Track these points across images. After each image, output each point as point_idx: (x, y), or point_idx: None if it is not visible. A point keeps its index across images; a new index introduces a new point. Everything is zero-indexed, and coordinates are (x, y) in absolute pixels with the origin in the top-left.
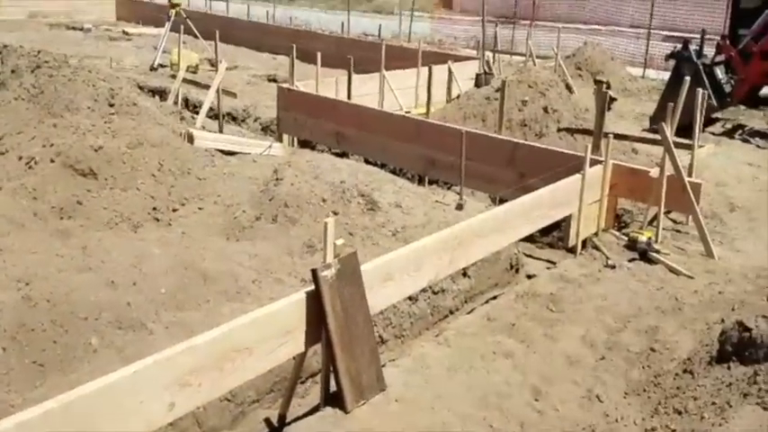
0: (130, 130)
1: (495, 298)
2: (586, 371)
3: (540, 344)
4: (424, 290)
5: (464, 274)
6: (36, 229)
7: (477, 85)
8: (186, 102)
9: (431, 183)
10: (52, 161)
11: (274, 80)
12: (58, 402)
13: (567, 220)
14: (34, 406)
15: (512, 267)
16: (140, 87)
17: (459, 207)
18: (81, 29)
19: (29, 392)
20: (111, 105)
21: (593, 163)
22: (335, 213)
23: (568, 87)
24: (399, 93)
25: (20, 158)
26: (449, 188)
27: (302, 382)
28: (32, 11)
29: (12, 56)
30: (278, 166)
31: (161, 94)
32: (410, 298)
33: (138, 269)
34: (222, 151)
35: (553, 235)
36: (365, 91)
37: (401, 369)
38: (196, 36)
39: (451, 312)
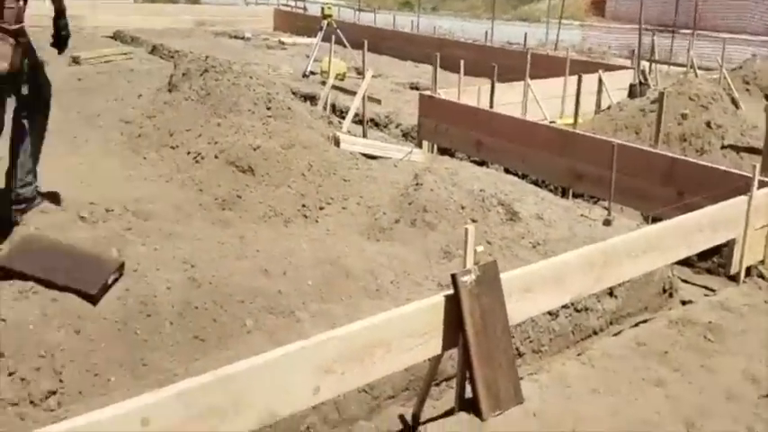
0: (284, 132)
1: (644, 322)
2: (747, 407)
3: (696, 375)
4: (565, 306)
5: (610, 294)
6: (201, 218)
7: (632, 95)
8: (333, 107)
9: (575, 196)
10: (216, 157)
11: (416, 88)
12: (215, 375)
13: (729, 245)
14: (195, 377)
15: (665, 291)
16: (293, 93)
17: (607, 223)
18: (242, 37)
19: (190, 364)
20: (269, 108)
21: (762, 185)
22: (474, 221)
23: (734, 102)
24: (544, 103)
25: (188, 153)
26: (595, 203)
27: (436, 385)
28: (199, 19)
29: (183, 60)
30: (418, 171)
31: (311, 99)
32: (550, 313)
33: (288, 261)
34: (365, 155)
35: (713, 260)
36: (508, 99)
37: (540, 384)
38: (345, 45)
39: (595, 333)
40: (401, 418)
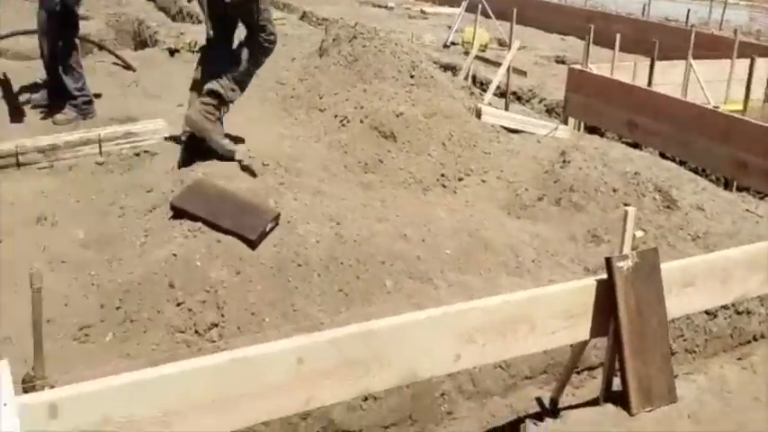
0: (427, 101)
1: None
2: None
3: None
4: (725, 307)
5: None
6: (345, 180)
7: None
8: (474, 78)
9: (740, 189)
10: (361, 122)
11: (562, 62)
12: (363, 328)
13: None
14: (340, 327)
15: None
16: (434, 62)
17: None
18: (385, 7)
19: (335, 315)
20: (412, 77)
21: None
22: (626, 206)
23: None
24: (707, 85)
25: (335, 116)
26: (762, 198)
27: (577, 373)
28: None
29: (333, 27)
30: (565, 148)
31: (452, 69)
32: (708, 312)
33: (426, 228)
34: (507, 128)
35: None
36: (667, 80)
37: (696, 386)
38: (489, 16)
39: (755, 339)
40: (538, 400)
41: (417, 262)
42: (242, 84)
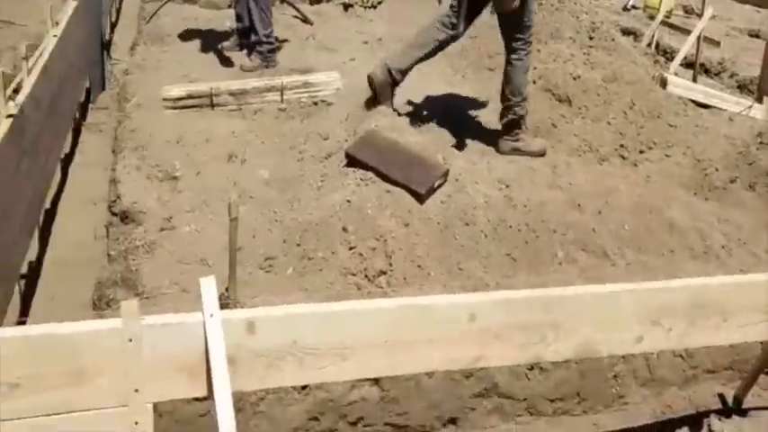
0: (607, 65)
1: None
2: None
3: None
4: None
5: None
6: None
7: None
8: (657, 46)
9: None
10: (534, 83)
11: (756, 35)
12: (540, 293)
13: None
14: (507, 290)
15: None
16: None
17: None
18: None
19: (501, 279)
20: (591, 38)
21: None
22: None
23: None
24: None
25: None
26: None
27: (766, 373)
28: None
29: None
30: (762, 129)
31: (632, 34)
32: None
33: (602, 200)
34: (695, 102)
35: None
36: None
37: None
38: None
39: None
40: (721, 397)
41: (592, 235)
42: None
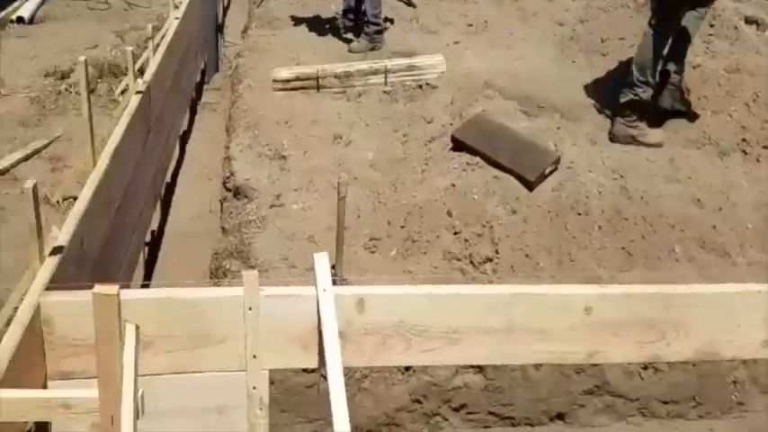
0: (728, 54)
1: None
2: None
3: None
4: None
5: None
6: None
7: None
8: None
9: None
10: None
11: None
12: (661, 289)
13: None
14: (625, 285)
15: None
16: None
17: None
18: None
19: (615, 273)
20: (712, 26)
21: None
22: None
23: None
24: None
25: (619, 63)
26: None
27: None
28: None
29: None
30: None
31: (755, 23)
32: None
33: (724, 196)
34: None
35: None
36: None
37: None
38: None
39: None
40: None
41: (712, 232)
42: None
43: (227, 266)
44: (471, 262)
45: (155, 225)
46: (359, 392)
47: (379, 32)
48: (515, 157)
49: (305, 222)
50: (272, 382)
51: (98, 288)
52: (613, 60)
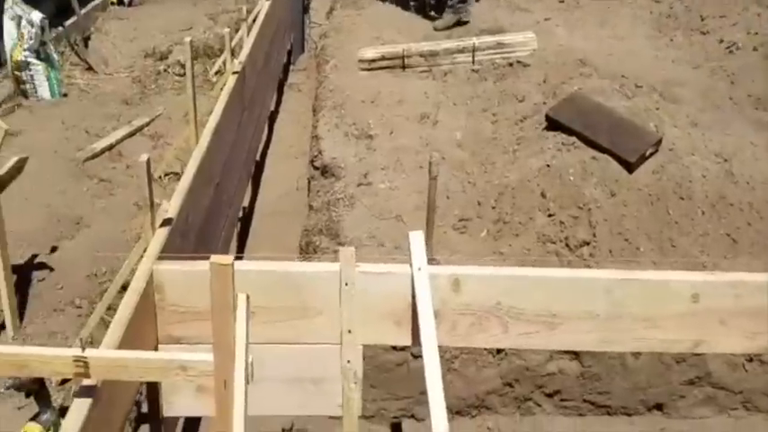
0: None
1: None
2: None
3: None
4: None
5: None
6: (730, 113)
7: None
8: None
9: None
10: (755, 50)
11: None
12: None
13: None
14: (736, 272)
15: None
16: None
17: None
18: None
19: (719, 260)
20: None
21: None
22: None
23: None
24: None
25: (720, 41)
26: None
27: None
28: None
29: None
30: None
31: None
32: None
33: None
34: None
35: None
36: None
37: None
38: None
39: None
40: None
41: None
42: None
43: (317, 243)
44: (567, 245)
45: (246, 202)
46: (449, 373)
47: (463, 1)
48: (614, 138)
49: (392, 201)
50: (363, 357)
51: (214, 258)
52: (714, 39)
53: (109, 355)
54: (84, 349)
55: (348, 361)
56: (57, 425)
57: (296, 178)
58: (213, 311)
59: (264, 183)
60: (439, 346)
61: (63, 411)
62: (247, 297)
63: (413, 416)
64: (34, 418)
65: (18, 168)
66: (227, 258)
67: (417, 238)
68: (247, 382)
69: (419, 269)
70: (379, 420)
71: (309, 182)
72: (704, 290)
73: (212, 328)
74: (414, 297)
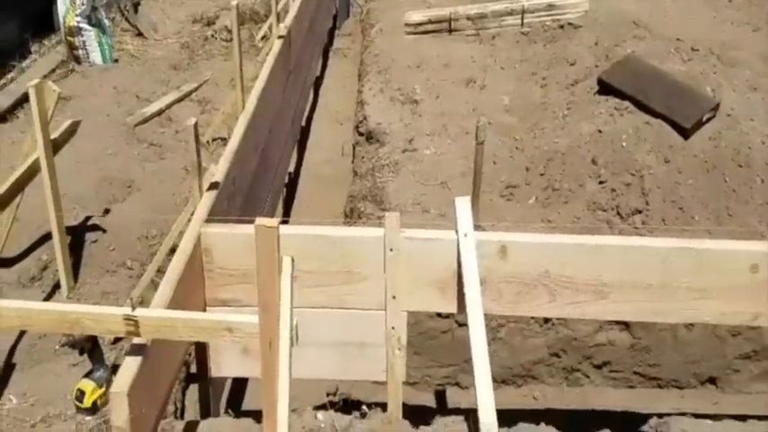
0: None
1: None
2: None
3: None
4: None
5: None
6: None
7: None
8: None
9: None
10: None
11: None
12: None
13: None
14: None
15: None
16: None
17: None
18: None
19: None
20: None
21: None
22: None
23: None
24: None
25: None
26: None
27: None
28: None
29: None
30: None
31: None
32: None
33: None
34: None
35: None
36: None
37: None
38: None
39: None
40: None
41: None
42: None
43: (362, 209)
44: (618, 213)
45: (292, 167)
46: (494, 342)
47: None
48: (670, 103)
49: (438, 167)
50: (407, 324)
51: (260, 221)
52: None
53: (158, 314)
54: (134, 309)
55: (392, 327)
56: (110, 382)
57: (341, 144)
58: (258, 273)
59: (310, 148)
60: (484, 315)
61: (116, 369)
62: (292, 260)
63: (457, 383)
64: (88, 375)
65: (71, 132)
66: (273, 221)
67: (463, 205)
68: (292, 344)
69: (465, 235)
70: (424, 387)
71: (354, 147)
72: (764, 261)
73: (257, 289)
74: (459, 264)
